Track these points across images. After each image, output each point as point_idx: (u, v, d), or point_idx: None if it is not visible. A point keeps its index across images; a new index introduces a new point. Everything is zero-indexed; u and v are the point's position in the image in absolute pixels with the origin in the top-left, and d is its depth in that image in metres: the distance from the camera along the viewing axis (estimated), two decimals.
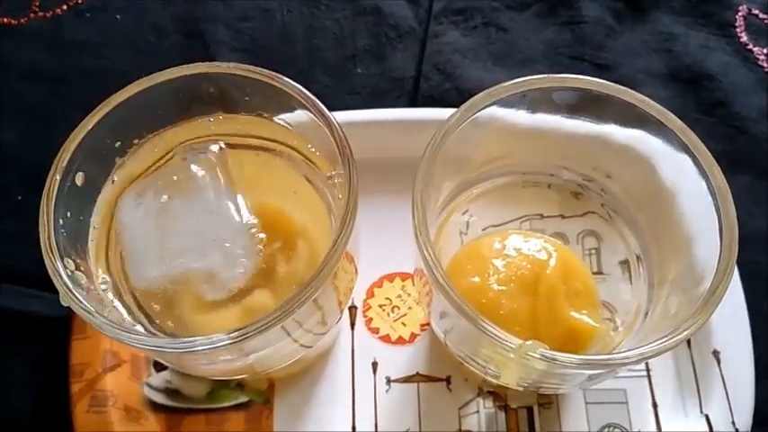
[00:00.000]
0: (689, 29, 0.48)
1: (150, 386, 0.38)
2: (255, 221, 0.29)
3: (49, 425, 0.37)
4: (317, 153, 0.30)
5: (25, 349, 0.39)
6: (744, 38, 0.48)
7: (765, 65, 0.47)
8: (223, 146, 0.30)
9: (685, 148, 0.29)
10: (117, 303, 0.28)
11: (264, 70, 0.28)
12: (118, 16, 0.49)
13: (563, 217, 0.38)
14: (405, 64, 0.47)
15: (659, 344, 0.26)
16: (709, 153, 0.28)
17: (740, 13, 0.48)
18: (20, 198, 0.44)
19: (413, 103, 0.46)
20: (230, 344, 0.25)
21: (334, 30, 0.49)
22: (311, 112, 0.28)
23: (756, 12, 0.48)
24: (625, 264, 0.37)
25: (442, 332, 0.32)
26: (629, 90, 0.30)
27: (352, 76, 0.47)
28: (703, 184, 0.30)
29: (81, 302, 0.25)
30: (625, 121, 0.32)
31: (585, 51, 0.47)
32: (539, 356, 0.24)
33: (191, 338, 0.25)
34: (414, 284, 0.41)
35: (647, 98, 0.30)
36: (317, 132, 0.29)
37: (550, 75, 0.30)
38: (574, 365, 0.24)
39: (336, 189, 0.30)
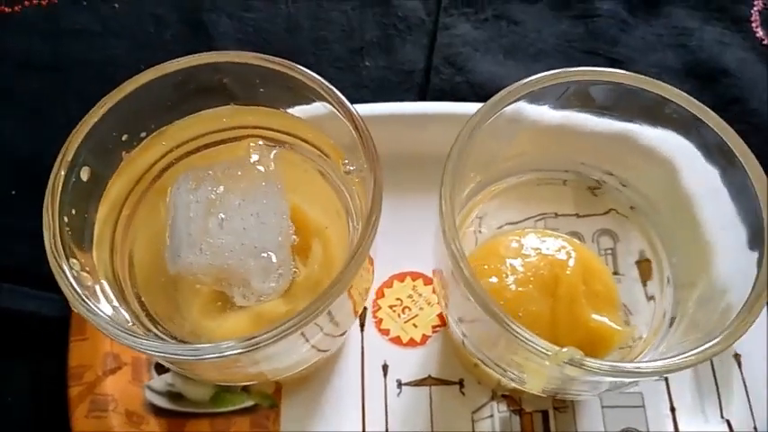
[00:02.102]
0: (704, 23, 0.47)
1: (152, 389, 0.36)
2: (295, 238, 0.28)
3: (47, 430, 0.36)
4: (335, 147, 0.29)
5: (22, 350, 0.38)
6: (760, 33, 0.47)
7: None
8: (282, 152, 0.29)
9: (722, 148, 0.28)
10: (121, 306, 0.27)
11: (280, 59, 0.27)
12: (116, 5, 0.48)
13: (578, 216, 0.37)
14: (414, 57, 0.46)
15: (694, 354, 0.24)
16: (752, 155, 0.27)
17: (755, 8, 0.47)
18: (14, 193, 0.42)
19: (423, 96, 0.45)
20: (241, 353, 0.24)
21: (341, 21, 0.47)
22: (332, 103, 0.27)
23: None
24: (641, 264, 0.36)
25: (461, 334, 0.31)
26: (665, 84, 0.29)
27: (360, 69, 0.46)
28: (735, 188, 0.29)
29: (89, 306, 0.23)
30: (653, 118, 0.31)
31: (599, 46, 0.46)
32: (575, 364, 0.23)
33: (200, 345, 0.24)
34: (425, 284, 0.40)
35: (684, 93, 0.29)
36: (335, 125, 0.27)
37: (582, 67, 0.29)
38: (607, 374, 0.23)
39: (355, 186, 0.29)
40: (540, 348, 0.24)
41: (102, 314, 0.23)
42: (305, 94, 0.28)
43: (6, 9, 0.47)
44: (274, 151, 0.30)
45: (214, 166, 0.28)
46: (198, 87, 0.28)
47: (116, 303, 0.26)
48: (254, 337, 0.23)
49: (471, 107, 0.39)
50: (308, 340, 0.28)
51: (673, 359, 0.24)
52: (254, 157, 0.28)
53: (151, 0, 0.48)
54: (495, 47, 0.46)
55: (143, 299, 0.28)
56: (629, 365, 0.24)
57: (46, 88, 0.45)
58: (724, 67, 0.46)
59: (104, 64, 0.46)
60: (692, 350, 0.25)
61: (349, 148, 0.27)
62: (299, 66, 0.27)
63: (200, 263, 0.26)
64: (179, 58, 0.27)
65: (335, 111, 0.27)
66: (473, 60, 0.45)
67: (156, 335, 0.28)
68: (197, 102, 0.29)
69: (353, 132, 0.26)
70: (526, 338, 0.24)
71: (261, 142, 0.29)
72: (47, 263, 0.38)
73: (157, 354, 0.23)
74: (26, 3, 0.47)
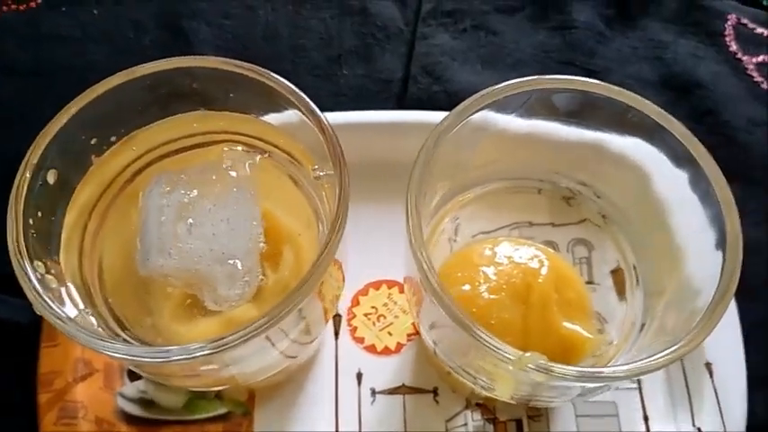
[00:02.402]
0: (679, 37, 0.48)
1: (124, 396, 0.36)
2: (264, 245, 0.28)
3: None
4: (305, 153, 0.29)
5: None
6: (733, 47, 0.47)
7: (755, 74, 0.46)
8: (258, 159, 0.29)
9: (686, 155, 0.28)
10: (88, 309, 0.27)
11: (251, 65, 0.27)
12: (95, 11, 0.48)
13: (553, 225, 0.37)
14: (392, 66, 0.46)
15: (661, 357, 0.25)
16: (713, 160, 0.28)
17: (729, 23, 0.48)
18: None
19: (401, 105, 0.45)
20: (210, 354, 0.24)
21: (319, 30, 0.47)
22: (299, 107, 0.27)
23: (745, 21, 0.48)
24: (616, 273, 0.36)
25: (432, 342, 0.31)
26: (628, 92, 0.29)
27: (338, 78, 0.46)
28: (701, 193, 0.29)
29: (53, 309, 0.23)
30: (621, 126, 0.31)
31: (576, 57, 0.47)
32: (539, 369, 0.23)
33: (168, 347, 0.23)
34: (401, 292, 0.40)
35: (647, 101, 0.29)
36: (305, 131, 0.27)
37: (546, 76, 0.29)
38: (574, 378, 0.23)
39: (324, 191, 0.29)
40: (503, 353, 0.24)
41: (65, 317, 0.23)
42: (274, 100, 0.28)
43: None
44: (249, 157, 0.30)
45: (187, 170, 0.28)
46: (168, 92, 0.28)
47: (82, 306, 0.26)
48: (222, 338, 0.23)
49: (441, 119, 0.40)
50: (274, 345, 0.28)
51: (638, 363, 0.24)
52: (228, 163, 0.28)
53: (131, 6, 0.48)
54: (473, 57, 0.47)
55: (111, 303, 0.28)
56: (592, 369, 0.24)
57: (25, 93, 0.45)
58: (698, 79, 0.46)
59: (84, 69, 0.45)
60: (658, 353, 0.25)
61: (319, 154, 0.28)
62: (267, 71, 0.27)
63: (170, 266, 0.26)
64: (149, 63, 0.27)
65: (303, 115, 0.27)
66: (451, 70, 0.46)
67: (124, 339, 0.28)
68: (167, 106, 0.29)
69: (320, 135, 0.26)
70: (490, 344, 0.24)
71: (239, 147, 0.29)
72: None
73: (123, 356, 0.23)
74: (5, 8, 0.47)
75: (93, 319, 0.26)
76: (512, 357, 0.23)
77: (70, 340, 0.34)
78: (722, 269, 0.26)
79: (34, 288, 0.23)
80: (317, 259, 0.24)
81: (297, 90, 0.27)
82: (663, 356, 0.25)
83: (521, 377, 0.25)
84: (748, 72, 0.47)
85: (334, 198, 0.26)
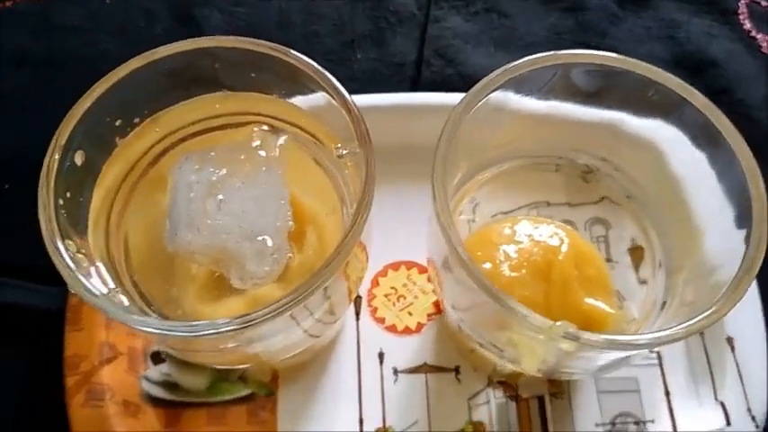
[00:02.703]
0: (692, 16, 0.48)
1: (148, 379, 0.36)
2: (292, 224, 0.28)
3: (43, 420, 0.35)
4: (328, 132, 0.29)
5: (15, 343, 0.37)
6: (747, 25, 0.47)
7: None
8: (288, 137, 0.29)
9: (708, 128, 0.28)
10: (117, 288, 0.27)
11: (274, 44, 0.27)
12: (107, 0, 0.48)
13: (570, 205, 0.37)
14: (405, 49, 0.46)
15: (687, 326, 0.25)
16: (736, 130, 0.28)
17: (743, 1, 0.48)
18: (7, 187, 0.42)
19: (414, 88, 0.45)
20: (236, 329, 0.24)
21: (332, 15, 0.47)
22: (323, 86, 0.27)
23: None
24: (634, 251, 0.36)
25: (457, 318, 0.31)
26: (648, 65, 0.29)
27: (352, 63, 0.46)
28: (722, 166, 0.29)
29: (86, 286, 0.23)
30: (641, 101, 0.31)
31: (589, 37, 0.47)
32: (570, 337, 0.23)
33: (197, 322, 0.24)
34: (420, 273, 0.40)
35: (668, 73, 0.29)
36: (328, 111, 0.27)
37: (566, 50, 0.29)
38: (604, 346, 0.24)
39: (348, 170, 0.29)
40: (535, 323, 0.24)
41: (99, 294, 0.23)
42: (297, 80, 0.28)
43: None
44: (277, 137, 0.30)
45: (217, 149, 0.28)
46: (190, 73, 0.28)
47: (112, 285, 0.26)
48: (248, 315, 0.23)
49: (461, 98, 0.40)
50: (299, 323, 0.28)
51: (665, 331, 0.24)
52: (257, 142, 0.28)
53: None
54: (485, 39, 0.47)
55: (138, 282, 0.28)
56: (621, 337, 0.24)
57: (38, 83, 0.45)
58: (712, 58, 0.46)
59: (96, 59, 0.46)
60: (684, 323, 0.25)
61: (341, 134, 0.28)
62: (289, 50, 0.27)
63: (198, 242, 0.26)
64: (172, 44, 0.27)
65: (327, 95, 0.27)
66: (464, 53, 0.46)
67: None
68: (190, 88, 0.29)
69: (345, 114, 0.26)
70: (522, 314, 0.24)
71: (265, 128, 0.29)
72: (40, 256, 0.39)
73: (155, 331, 0.23)
74: None
75: (122, 297, 0.26)
76: (543, 326, 0.24)
77: (94, 324, 0.35)
78: (748, 240, 0.26)
79: (68, 266, 0.24)
80: (344, 237, 0.24)
81: (321, 69, 0.27)
82: (688, 325, 0.25)
83: (550, 348, 0.25)
84: (762, 50, 0.47)
85: (357, 178, 0.26)
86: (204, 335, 0.24)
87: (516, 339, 0.27)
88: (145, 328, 0.23)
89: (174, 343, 0.28)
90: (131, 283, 0.28)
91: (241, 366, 0.35)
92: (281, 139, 0.29)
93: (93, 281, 0.25)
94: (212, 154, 0.27)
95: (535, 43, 0.47)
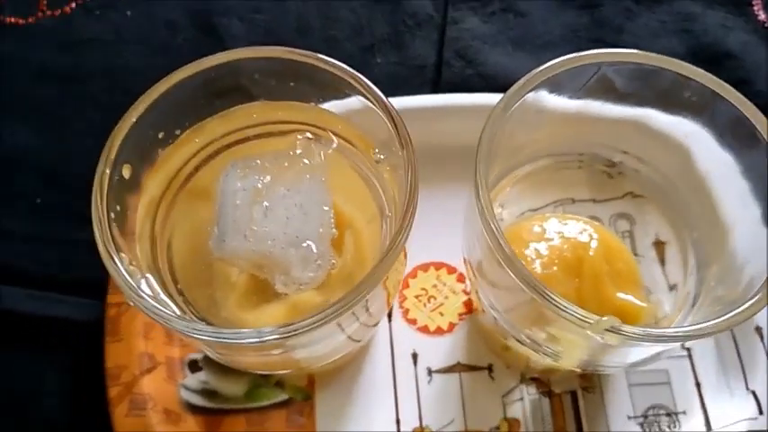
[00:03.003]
0: (707, 8, 0.48)
1: (187, 388, 0.37)
2: (335, 232, 0.29)
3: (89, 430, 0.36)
4: (365, 138, 0.30)
5: (54, 355, 0.38)
6: (761, 16, 0.48)
7: None
8: (335, 144, 0.29)
9: (738, 123, 0.29)
10: (165, 298, 0.27)
11: (313, 53, 0.28)
12: (128, 12, 0.48)
13: (595, 201, 0.38)
14: (424, 52, 0.47)
15: (729, 316, 0.25)
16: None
17: None
18: (39, 201, 0.42)
19: (436, 90, 0.46)
20: (280, 338, 0.24)
21: (350, 20, 0.48)
22: (362, 92, 0.27)
23: None
24: (659, 246, 0.36)
25: (494, 316, 0.31)
26: (678, 60, 0.30)
27: (372, 67, 0.47)
28: (749, 161, 0.30)
29: (144, 298, 0.24)
30: (669, 101, 0.32)
31: (605, 34, 0.47)
32: (617, 332, 0.24)
33: (243, 330, 0.24)
34: (449, 273, 0.40)
35: (700, 69, 0.29)
36: (365, 116, 0.28)
37: (599, 50, 0.30)
38: (653, 340, 0.24)
39: (386, 174, 0.29)
40: (581, 317, 0.24)
41: (156, 304, 0.24)
42: (335, 87, 0.28)
43: (21, 21, 0.47)
44: (321, 145, 0.30)
45: (262, 157, 0.29)
46: (229, 83, 0.29)
47: (162, 296, 0.27)
48: (290, 324, 0.24)
49: (484, 98, 0.40)
50: (343, 330, 0.29)
51: (705, 323, 0.25)
52: (300, 150, 0.29)
53: (162, 6, 0.48)
54: (503, 39, 0.47)
55: (183, 290, 0.29)
56: (666, 330, 0.25)
57: (63, 97, 0.46)
58: (728, 50, 0.47)
59: (120, 71, 0.46)
60: (722, 316, 0.25)
61: (378, 139, 0.28)
62: (328, 58, 0.28)
63: (244, 249, 0.27)
64: (212, 55, 0.28)
65: (366, 100, 0.27)
66: (483, 53, 0.46)
67: None
68: (228, 98, 0.30)
69: (385, 118, 0.27)
70: (568, 309, 0.24)
71: (309, 135, 0.30)
72: (74, 268, 0.39)
73: (205, 338, 0.24)
74: (39, 14, 0.48)
75: (173, 306, 0.27)
76: (590, 321, 0.24)
77: (132, 335, 0.36)
78: None
79: (125, 280, 0.24)
80: (389, 246, 0.25)
81: (359, 75, 0.27)
82: (729, 317, 0.25)
83: (592, 342, 0.26)
84: None
85: (395, 182, 0.27)
86: (250, 342, 0.24)
87: (558, 335, 0.27)
88: (197, 335, 0.24)
89: (219, 348, 0.28)
90: (176, 291, 0.28)
91: (281, 372, 0.35)
92: (327, 147, 0.29)
93: (145, 291, 0.25)
94: (257, 161, 0.28)
95: (552, 42, 0.47)
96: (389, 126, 0.26)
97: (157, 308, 0.24)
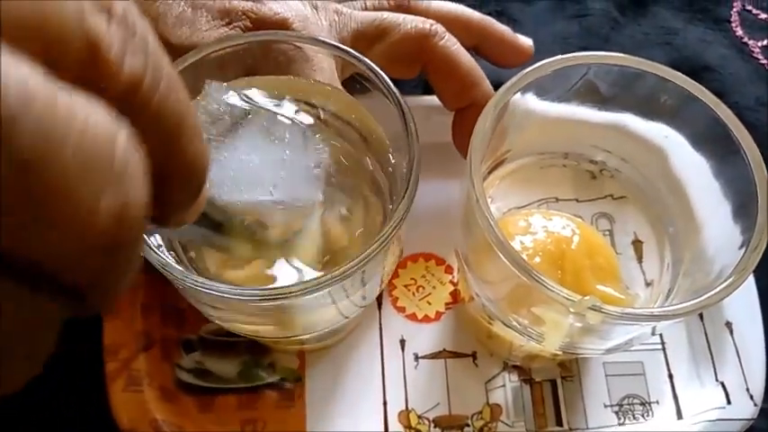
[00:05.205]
0: (687, 23, 0.51)
1: (181, 367, 0.38)
2: (327, 157, 0.29)
3: (82, 406, 0.37)
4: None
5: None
6: (739, 32, 0.50)
7: (760, 57, 0.49)
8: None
9: (715, 123, 0.31)
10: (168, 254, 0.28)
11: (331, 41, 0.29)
12: None
13: (578, 201, 0.40)
14: None
15: (698, 301, 0.27)
16: (743, 127, 0.30)
17: (735, 9, 0.51)
18: None
19: (428, 91, 0.47)
20: (269, 298, 0.25)
21: None
22: (379, 87, 0.29)
23: (750, 7, 0.51)
24: (637, 244, 0.38)
25: (483, 301, 0.33)
26: (656, 63, 0.32)
27: None
28: (722, 160, 0.32)
29: (157, 252, 0.25)
30: (649, 103, 0.34)
31: (593, 42, 0.49)
32: (598, 310, 0.26)
33: (239, 287, 0.25)
34: (437, 265, 0.42)
35: (677, 72, 0.31)
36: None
37: (586, 53, 0.32)
38: (630, 318, 0.26)
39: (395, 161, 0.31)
40: (566, 296, 0.26)
41: (172, 262, 0.25)
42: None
43: None
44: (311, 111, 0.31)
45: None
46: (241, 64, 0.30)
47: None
48: (286, 287, 0.25)
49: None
50: (334, 302, 0.30)
51: (678, 305, 0.27)
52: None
53: None
54: None
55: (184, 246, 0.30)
56: (643, 310, 0.27)
57: None
58: (707, 63, 0.49)
59: None
60: (693, 299, 0.27)
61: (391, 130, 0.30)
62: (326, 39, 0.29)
63: (240, 199, 0.27)
64: (228, 37, 0.29)
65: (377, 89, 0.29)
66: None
67: None
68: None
69: (394, 109, 0.28)
70: (554, 288, 0.26)
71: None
72: None
73: (214, 293, 0.25)
74: None
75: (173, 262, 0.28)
76: (574, 299, 0.26)
77: (129, 313, 0.37)
78: (756, 224, 0.28)
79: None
80: (392, 216, 0.26)
81: (366, 60, 0.29)
82: (699, 300, 0.27)
83: (574, 322, 0.28)
84: (754, 55, 0.49)
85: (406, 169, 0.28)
86: (243, 299, 0.25)
87: (543, 315, 0.29)
88: (207, 290, 0.25)
89: (213, 302, 0.28)
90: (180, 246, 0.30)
91: (272, 338, 0.35)
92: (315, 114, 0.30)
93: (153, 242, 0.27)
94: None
95: (542, 48, 0.49)
96: (398, 114, 0.28)
97: (172, 265, 0.25)
